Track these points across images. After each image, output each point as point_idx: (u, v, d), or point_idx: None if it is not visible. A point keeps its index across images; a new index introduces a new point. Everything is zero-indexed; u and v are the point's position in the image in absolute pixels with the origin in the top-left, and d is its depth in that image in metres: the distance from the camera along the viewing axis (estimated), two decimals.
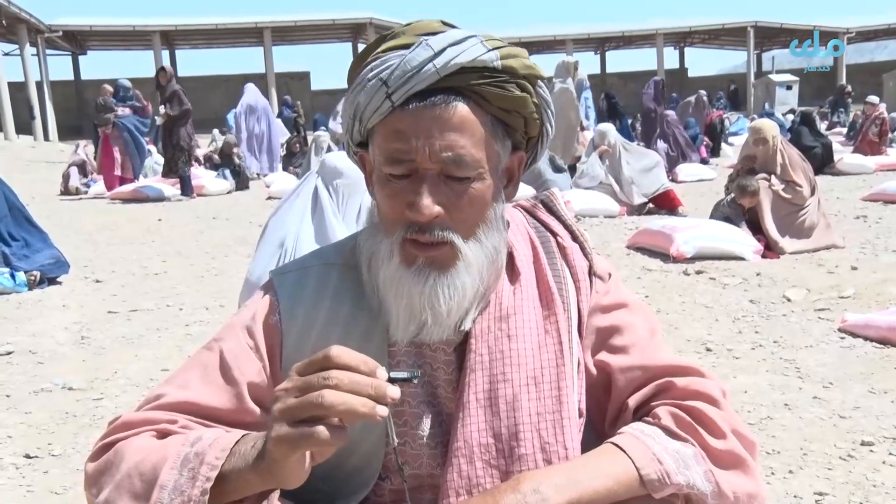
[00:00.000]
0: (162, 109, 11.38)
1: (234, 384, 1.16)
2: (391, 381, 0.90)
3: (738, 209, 6.63)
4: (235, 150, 14.29)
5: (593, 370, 1.23)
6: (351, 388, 0.87)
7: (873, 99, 15.93)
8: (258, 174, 15.44)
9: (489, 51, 1.10)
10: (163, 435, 1.09)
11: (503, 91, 1.11)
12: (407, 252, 1.11)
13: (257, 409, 1.16)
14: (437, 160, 1.07)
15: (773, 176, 6.66)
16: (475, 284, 1.13)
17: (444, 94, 1.08)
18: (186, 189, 11.79)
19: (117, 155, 12.75)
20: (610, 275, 1.29)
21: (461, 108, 1.08)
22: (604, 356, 1.23)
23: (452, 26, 1.16)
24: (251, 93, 16.29)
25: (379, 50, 1.13)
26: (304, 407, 0.87)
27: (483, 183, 1.11)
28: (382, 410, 0.87)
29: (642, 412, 1.19)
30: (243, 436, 1.02)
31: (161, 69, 12.11)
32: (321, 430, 0.86)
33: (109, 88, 13.00)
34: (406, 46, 1.10)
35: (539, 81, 1.17)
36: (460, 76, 1.08)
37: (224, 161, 13.97)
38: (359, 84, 1.13)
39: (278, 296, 1.22)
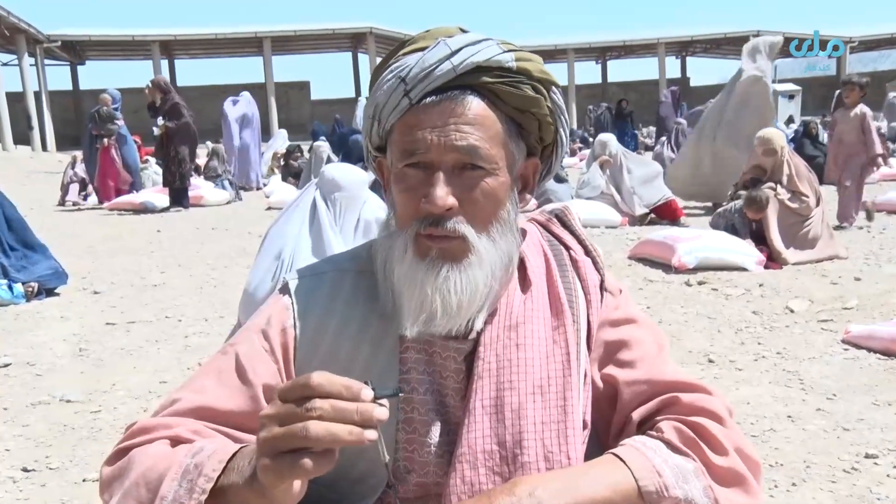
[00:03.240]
0: (160, 121, 11.31)
1: (250, 385, 1.16)
2: (377, 398, 0.87)
3: (744, 219, 6.62)
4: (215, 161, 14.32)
5: (599, 383, 1.24)
6: (335, 416, 0.84)
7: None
8: (257, 186, 15.45)
9: (504, 52, 1.13)
10: (176, 442, 1.10)
11: (517, 90, 1.13)
12: (421, 244, 1.12)
13: None
14: (450, 149, 1.09)
15: (779, 185, 6.64)
16: (487, 281, 1.14)
17: (460, 90, 1.11)
18: (183, 201, 11.76)
19: (118, 167, 12.75)
20: (620, 290, 1.31)
21: (476, 104, 1.11)
22: (611, 370, 1.24)
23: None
24: (248, 103, 16.29)
25: (399, 53, 1.17)
26: (288, 439, 0.85)
27: (496, 179, 1.13)
28: (371, 434, 0.85)
29: (646, 426, 1.19)
30: (241, 448, 1.01)
31: (151, 82, 11.83)
32: (305, 462, 0.84)
33: (109, 98, 12.95)
34: (425, 48, 1.14)
35: (553, 88, 1.19)
36: (476, 74, 1.11)
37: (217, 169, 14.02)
38: (378, 84, 1.16)
39: (293, 300, 1.23)
